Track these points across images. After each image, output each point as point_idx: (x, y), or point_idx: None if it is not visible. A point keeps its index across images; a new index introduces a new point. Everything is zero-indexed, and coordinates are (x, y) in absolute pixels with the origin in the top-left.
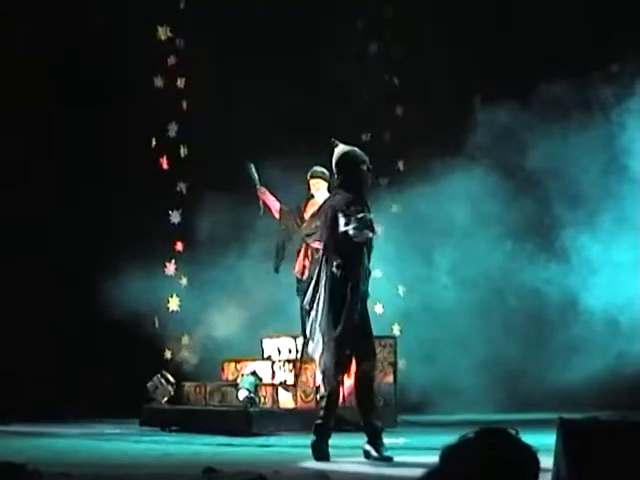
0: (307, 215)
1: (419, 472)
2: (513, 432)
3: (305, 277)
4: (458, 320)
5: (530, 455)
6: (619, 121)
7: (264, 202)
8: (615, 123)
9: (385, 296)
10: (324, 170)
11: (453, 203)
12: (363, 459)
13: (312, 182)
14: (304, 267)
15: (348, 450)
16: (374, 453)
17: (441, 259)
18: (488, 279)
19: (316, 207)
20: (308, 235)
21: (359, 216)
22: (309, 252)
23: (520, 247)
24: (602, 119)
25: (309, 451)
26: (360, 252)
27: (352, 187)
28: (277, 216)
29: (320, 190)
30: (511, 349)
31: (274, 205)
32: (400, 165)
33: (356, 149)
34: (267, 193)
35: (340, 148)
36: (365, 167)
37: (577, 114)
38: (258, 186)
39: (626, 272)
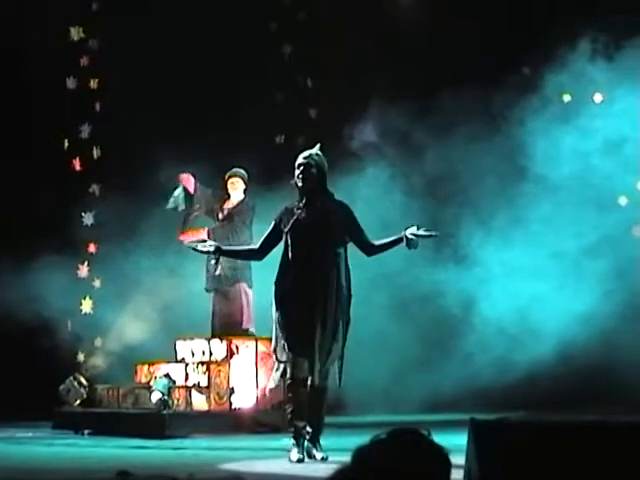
0: (222, 215)
1: (331, 471)
2: (425, 432)
3: (217, 273)
4: (366, 321)
5: (442, 455)
6: (519, 124)
7: (185, 184)
8: (515, 126)
9: None
10: (244, 172)
11: (359, 203)
12: (277, 461)
13: (231, 180)
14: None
15: (263, 452)
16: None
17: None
18: (389, 280)
19: (231, 207)
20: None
21: None
22: None
23: (420, 249)
24: (503, 122)
25: (223, 453)
26: None
27: None
28: (192, 192)
29: (237, 190)
30: (417, 351)
31: (193, 183)
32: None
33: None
34: (187, 175)
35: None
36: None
37: (478, 117)
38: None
39: (520, 275)
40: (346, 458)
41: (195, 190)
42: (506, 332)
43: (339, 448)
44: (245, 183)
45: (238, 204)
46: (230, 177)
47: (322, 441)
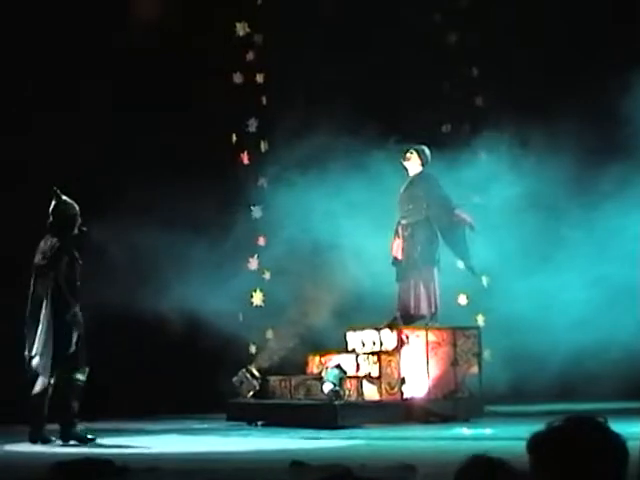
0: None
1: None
2: (602, 420)
3: (400, 257)
4: (543, 312)
5: (619, 443)
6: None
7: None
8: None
9: (469, 287)
10: (418, 147)
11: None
12: (449, 450)
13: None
14: (398, 246)
15: (434, 441)
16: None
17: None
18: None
19: (405, 185)
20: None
21: None
22: (400, 230)
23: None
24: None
25: (395, 443)
26: None
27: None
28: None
29: (410, 162)
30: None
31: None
32: (483, 155)
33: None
34: None
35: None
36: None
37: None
38: None
39: None
40: (520, 446)
41: None
42: None
43: (512, 437)
44: (420, 157)
45: (414, 177)
46: (405, 151)
47: (496, 430)
